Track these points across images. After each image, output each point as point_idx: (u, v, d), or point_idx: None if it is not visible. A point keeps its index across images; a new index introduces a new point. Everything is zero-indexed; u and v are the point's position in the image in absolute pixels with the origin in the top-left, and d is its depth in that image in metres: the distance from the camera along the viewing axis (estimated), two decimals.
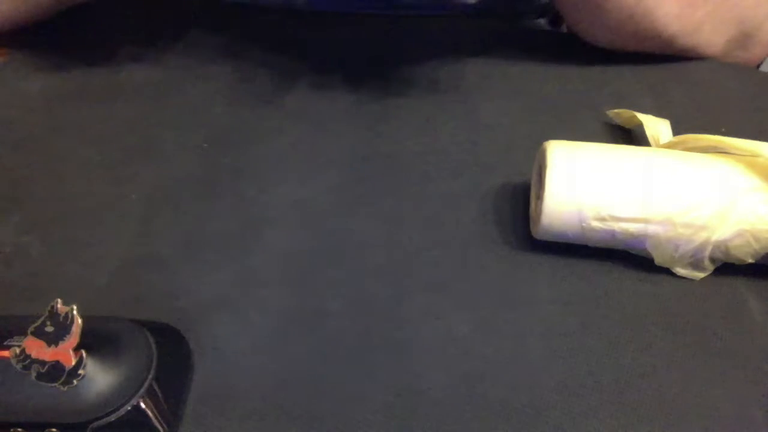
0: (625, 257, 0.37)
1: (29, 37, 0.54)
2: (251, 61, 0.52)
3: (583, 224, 0.35)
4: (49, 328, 0.26)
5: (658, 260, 0.36)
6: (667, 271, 0.37)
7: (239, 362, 0.33)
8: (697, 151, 0.37)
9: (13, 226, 0.39)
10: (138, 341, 0.29)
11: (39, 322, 0.27)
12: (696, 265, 0.36)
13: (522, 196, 0.41)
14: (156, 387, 0.29)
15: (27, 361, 0.26)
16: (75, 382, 0.26)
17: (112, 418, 0.27)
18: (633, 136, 0.45)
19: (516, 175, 0.42)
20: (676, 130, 0.42)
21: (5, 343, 0.27)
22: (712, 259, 0.36)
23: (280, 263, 0.37)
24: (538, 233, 0.37)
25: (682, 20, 0.48)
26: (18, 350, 0.26)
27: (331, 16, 0.58)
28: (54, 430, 0.27)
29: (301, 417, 0.31)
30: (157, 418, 0.29)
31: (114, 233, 0.39)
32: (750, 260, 0.35)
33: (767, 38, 0.51)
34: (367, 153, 0.44)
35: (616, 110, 0.45)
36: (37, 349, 0.26)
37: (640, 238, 0.35)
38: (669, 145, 0.40)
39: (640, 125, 0.43)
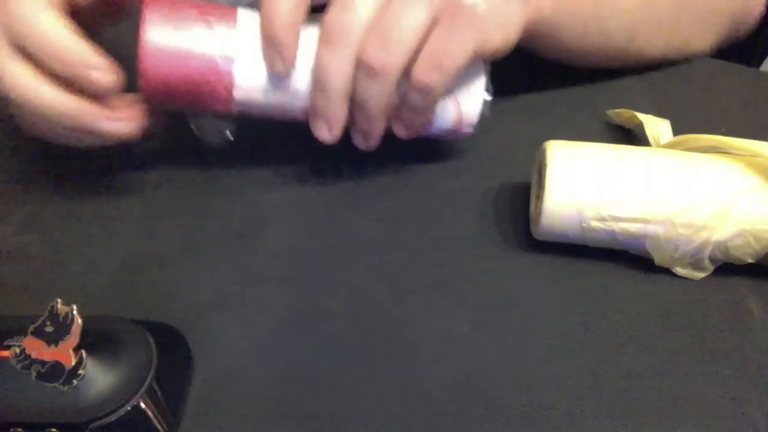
0: (625, 257, 0.37)
1: None
2: None
3: (583, 224, 0.35)
4: (49, 328, 0.26)
5: (658, 260, 0.36)
6: (667, 271, 0.37)
7: (239, 362, 0.33)
8: (697, 151, 0.37)
9: (14, 226, 0.39)
10: (138, 341, 0.29)
11: (39, 322, 0.27)
12: (696, 265, 0.36)
13: (522, 196, 0.41)
14: (156, 387, 0.29)
15: (27, 361, 0.26)
16: (75, 382, 0.26)
17: (112, 418, 0.27)
18: (633, 136, 0.45)
19: (516, 175, 0.42)
20: (676, 130, 0.42)
21: (5, 343, 0.27)
22: (712, 259, 0.36)
23: (280, 263, 0.37)
24: (538, 233, 0.37)
25: (670, 44, 0.48)
26: (18, 350, 0.26)
27: None
28: (54, 430, 0.27)
29: (301, 417, 0.31)
30: (157, 418, 0.29)
31: (114, 233, 0.39)
32: (750, 260, 0.35)
33: (754, 15, 0.52)
34: (366, 153, 0.44)
35: (616, 110, 0.45)
36: (37, 349, 0.26)
37: (640, 238, 0.35)
38: (669, 145, 0.40)
39: (640, 125, 0.43)
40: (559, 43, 0.44)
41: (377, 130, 0.37)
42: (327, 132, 0.36)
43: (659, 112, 0.43)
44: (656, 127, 0.42)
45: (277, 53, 0.34)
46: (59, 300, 0.27)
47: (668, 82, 0.49)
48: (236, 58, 0.34)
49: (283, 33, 0.33)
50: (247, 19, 0.35)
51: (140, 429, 0.29)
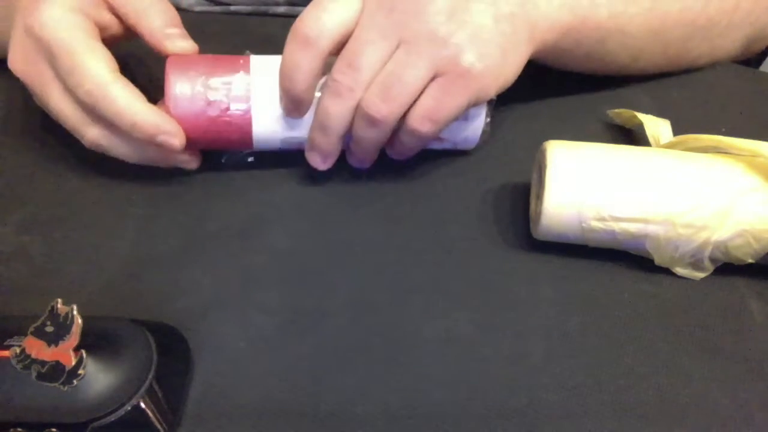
0: (625, 257, 0.37)
1: None
2: None
3: (583, 224, 0.35)
4: (49, 328, 0.26)
5: (658, 260, 0.36)
6: (667, 271, 0.37)
7: (239, 362, 0.33)
8: (697, 151, 0.37)
9: (13, 226, 0.39)
10: (138, 341, 0.29)
11: (39, 322, 0.27)
12: (696, 265, 0.36)
13: (522, 196, 0.41)
14: (156, 387, 0.29)
15: (27, 361, 0.26)
16: (75, 382, 0.26)
17: (112, 418, 0.27)
18: (633, 136, 0.45)
19: (516, 175, 0.42)
20: (676, 130, 0.42)
21: (5, 343, 0.27)
22: (712, 259, 0.36)
23: (280, 263, 0.37)
24: (538, 233, 0.37)
25: (675, 64, 0.48)
26: (18, 350, 0.26)
27: None
28: (54, 430, 0.27)
29: (301, 417, 0.31)
30: (157, 418, 0.29)
31: (114, 233, 0.39)
32: (750, 260, 0.35)
33: None
34: None
35: (616, 110, 0.45)
36: (37, 349, 0.26)
37: (640, 238, 0.35)
38: (669, 145, 0.40)
39: (640, 125, 0.43)
40: (560, 63, 0.44)
41: (371, 158, 0.40)
42: (322, 163, 0.39)
43: (659, 112, 0.43)
44: (656, 127, 0.42)
45: (294, 108, 0.37)
46: (59, 300, 0.27)
47: (668, 82, 0.49)
48: (252, 106, 0.37)
49: (303, 92, 0.36)
50: (260, 66, 0.38)
51: (140, 429, 0.29)
